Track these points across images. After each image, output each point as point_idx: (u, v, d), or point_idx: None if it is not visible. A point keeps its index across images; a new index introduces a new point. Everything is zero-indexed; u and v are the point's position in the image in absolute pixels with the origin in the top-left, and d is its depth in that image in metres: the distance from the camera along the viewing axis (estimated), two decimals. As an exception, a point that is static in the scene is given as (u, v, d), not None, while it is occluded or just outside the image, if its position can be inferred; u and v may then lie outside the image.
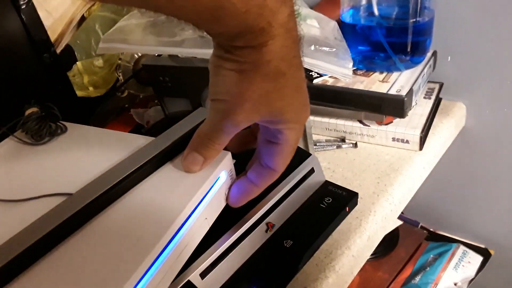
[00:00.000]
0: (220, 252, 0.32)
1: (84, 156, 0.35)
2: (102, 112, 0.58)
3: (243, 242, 0.34)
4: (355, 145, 0.52)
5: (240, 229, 0.33)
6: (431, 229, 0.68)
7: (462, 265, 0.61)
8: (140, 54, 0.53)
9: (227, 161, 0.32)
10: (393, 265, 0.61)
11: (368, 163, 0.49)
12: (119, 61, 0.54)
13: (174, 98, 0.51)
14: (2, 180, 0.34)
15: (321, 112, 0.54)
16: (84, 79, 0.56)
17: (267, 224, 0.35)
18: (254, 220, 0.34)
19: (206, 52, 0.43)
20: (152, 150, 0.32)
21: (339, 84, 0.50)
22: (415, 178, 0.49)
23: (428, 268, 0.60)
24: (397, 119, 0.51)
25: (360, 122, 0.52)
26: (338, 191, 0.39)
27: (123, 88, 0.56)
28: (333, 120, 0.53)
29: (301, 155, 0.40)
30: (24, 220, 0.28)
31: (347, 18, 0.53)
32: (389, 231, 0.67)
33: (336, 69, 0.43)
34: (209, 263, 0.31)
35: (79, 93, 0.56)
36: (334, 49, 0.44)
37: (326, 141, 0.54)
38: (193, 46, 0.43)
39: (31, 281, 0.24)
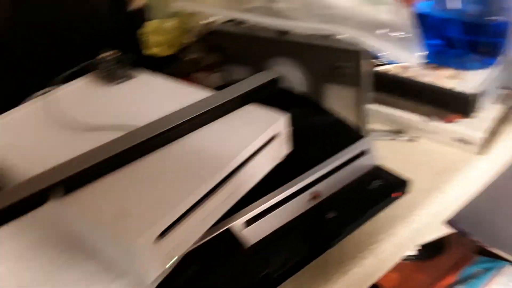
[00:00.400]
0: (263, 209, 0.33)
1: (149, 101, 0.38)
2: (169, 74, 0.61)
3: (286, 204, 0.34)
4: (412, 139, 0.51)
5: (286, 191, 0.34)
6: (482, 244, 0.65)
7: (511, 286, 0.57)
8: (209, 20, 0.55)
9: (284, 122, 0.33)
10: (436, 270, 0.59)
11: (424, 159, 0.48)
12: (188, 26, 0.56)
13: (237, 66, 0.52)
14: (78, 111, 0.37)
15: (382, 101, 0.53)
16: (151, 38, 0.59)
17: (312, 193, 0.36)
18: (301, 186, 0.35)
19: (275, 22, 0.44)
20: (208, 103, 0.34)
21: (405, 75, 0.49)
22: (471, 182, 0.47)
23: (473, 280, 0.57)
24: (461, 119, 0.49)
25: (421, 116, 0.50)
26: (388, 176, 0.39)
27: (189, 52, 0.58)
28: (392, 111, 0.52)
29: (356, 135, 0.39)
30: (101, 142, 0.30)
31: (423, 9, 0.52)
32: (438, 237, 0.64)
33: (404, 54, 0.42)
34: (250, 216, 0.32)
35: (145, 51, 0.59)
36: (403, 35, 0.43)
37: (383, 131, 0.53)
38: (263, 14, 0.44)
39: (105, 185, 0.26)
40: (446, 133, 0.48)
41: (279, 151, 0.34)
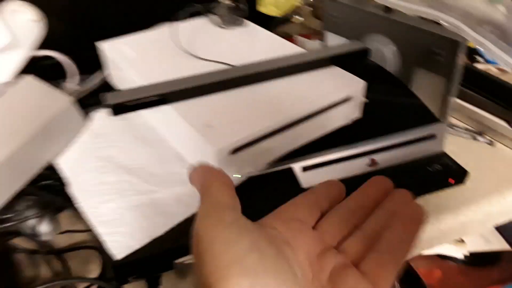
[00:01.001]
0: (325, 160, 0.37)
1: (251, 47, 0.44)
2: (275, 31, 0.66)
3: (346, 162, 0.38)
4: (491, 143, 0.51)
5: (350, 150, 0.38)
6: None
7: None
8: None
9: (361, 87, 0.37)
10: (480, 279, 0.60)
11: (497, 164, 0.48)
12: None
13: (337, 36, 0.56)
14: (189, 42, 0.44)
15: (471, 99, 0.53)
16: (269, -2, 0.64)
17: (372, 159, 0.39)
18: (363, 150, 0.39)
19: (392, 1, 0.46)
20: (299, 58, 0.39)
21: (502, 77, 0.49)
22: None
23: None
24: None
25: (507, 122, 0.50)
26: (450, 163, 0.40)
27: (295, 15, 0.63)
28: (479, 111, 0.52)
29: (431, 118, 0.41)
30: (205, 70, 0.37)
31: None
32: (492, 250, 0.64)
33: (502, 55, 0.42)
34: (312, 163, 0.37)
35: (260, 8, 0.65)
36: (508, 37, 0.43)
37: (463, 128, 0.53)
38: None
39: (207, 102, 0.34)
40: (528, 144, 0.48)
41: (350, 112, 0.38)
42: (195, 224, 0.21)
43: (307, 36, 0.66)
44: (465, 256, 0.61)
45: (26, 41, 0.39)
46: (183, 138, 0.35)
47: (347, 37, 0.55)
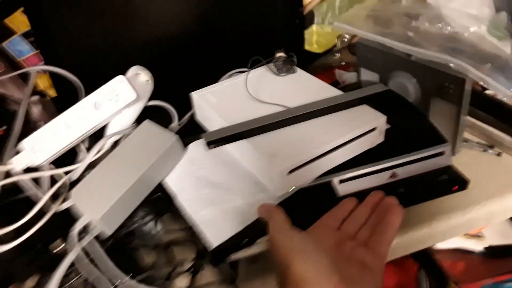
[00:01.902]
0: (357, 174, 0.51)
1: (300, 90, 0.58)
2: (317, 64, 0.81)
3: (373, 175, 0.52)
4: (499, 154, 0.61)
5: (375, 166, 0.51)
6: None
7: None
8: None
9: (383, 120, 0.50)
10: (498, 268, 0.69)
11: (502, 172, 0.59)
12: (341, 33, 0.74)
13: (368, 71, 0.69)
14: (254, 88, 0.60)
15: (483, 118, 0.64)
16: (313, 37, 0.79)
17: (393, 172, 0.52)
18: (386, 166, 0.52)
19: (404, 47, 0.59)
20: (337, 99, 0.53)
21: (507, 101, 0.60)
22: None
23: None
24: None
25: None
26: (455, 173, 0.52)
27: (337, 52, 0.77)
28: (489, 128, 0.63)
29: (441, 139, 0.54)
30: (265, 112, 0.52)
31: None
32: (510, 243, 0.73)
33: (500, 87, 0.53)
34: (347, 177, 0.51)
35: (306, 47, 0.79)
36: (507, 71, 0.54)
37: (476, 142, 0.64)
38: (397, 40, 0.59)
39: (270, 136, 0.49)
40: (531, 156, 0.58)
41: (376, 139, 0.52)
42: (270, 238, 0.40)
43: (345, 68, 0.79)
44: (485, 248, 0.71)
45: (144, 96, 0.56)
46: (255, 163, 0.50)
47: (377, 72, 0.68)
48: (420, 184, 0.52)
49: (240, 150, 0.52)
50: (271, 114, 0.52)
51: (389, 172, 0.52)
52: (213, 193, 0.51)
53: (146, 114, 0.59)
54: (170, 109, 0.61)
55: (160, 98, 0.61)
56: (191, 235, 0.53)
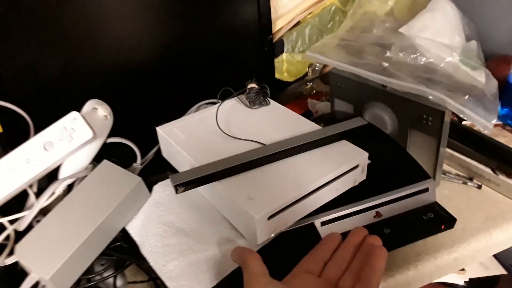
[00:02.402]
0: (339, 214, 0.47)
1: (275, 124, 0.54)
2: (288, 92, 0.78)
3: (356, 215, 0.48)
4: (479, 187, 0.60)
5: (358, 206, 0.48)
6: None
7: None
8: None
9: (365, 157, 0.47)
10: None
11: (484, 205, 0.57)
12: (313, 62, 0.72)
13: (342, 101, 0.66)
14: (225, 122, 0.55)
15: (461, 150, 0.62)
16: (284, 66, 0.76)
17: (377, 212, 0.49)
18: (369, 205, 0.48)
19: (379, 78, 0.57)
20: (316, 135, 0.49)
21: (484, 132, 0.58)
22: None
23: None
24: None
25: (492, 169, 0.59)
26: (441, 211, 0.50)
27: (309, 82, 0.74)
28: (468, 160, 0.62)
29: (423, 175, 0.51)
30: (238, 150, 0.48)
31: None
32: (490, 275, 0.72)
33: (479, 119, 0.52)
34: (329, 218, 0.47)
35: (276, 75, 0.76)
36: (484, 103, 0.53)
37: (456, 174, 0.63)
38: (372, 71, 0.57)
39: (245, 177, 0.44)
40: (509, 186, 0.57)
41: (358, 177, 0.49)
42: (244, 285, 0.36)
43: (316, 97, 0.77)
44: (465, 282, 0.69)
45: (102, 134, 0.51)
46: (230, 208, 0.45)
47: (351, 103, 0.65)
48: (405, 224, 0.49)
49: (212, 193, 0.47)
50: (246, 152, 0.47)
51: (372, 212, 0.49)
52: (181, 242, 0.45)
53: (105, 152, 0.53)
54: (132, 147, 0.55)
55: (121, 134, 0.55)
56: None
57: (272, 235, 0.43)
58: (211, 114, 0.56)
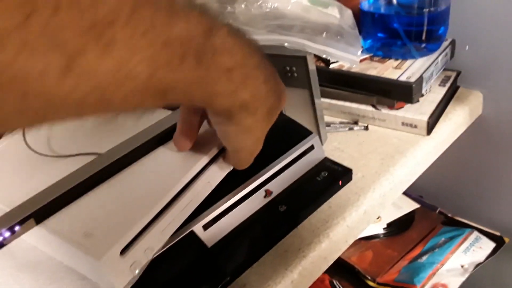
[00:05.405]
0: (222, 210, 0.37)
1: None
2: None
3: (243, 203, 0.39)
4: (366, 128, 0.55)
5: (241, 192, 0.38)
6: (449, 215, 0.70)
7: (473, 250, 0.62)
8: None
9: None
10: (404, 244, 0.64)
11: (376, 145, 0.52)
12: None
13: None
14: (43, 139, 0.41)
15: (337, 95, 0.57)
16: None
17: (265, 190, 0.40)
18: (254, 186, 0.39)
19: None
20: (162, 125, 0.38)
21: (354, 70, 0.53)
22: (419, 162, 0.51)
23: (437, 249, 0.62)
24: (409, 105, 0.53)
25: (373, 106, 0.55)
26: (334, 166, 0.43)
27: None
28: (347, 104, 0.56)
29: (304, 133, 0.44)
30: (68, 171, 0.35)
31: (366, 6, 0.56)
32: (404, 213, 0.69)
33: (344, 55, 0.46)
34: (211, 218, 0.37)
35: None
36: (345, 37, 0.47)
37: (340, 123, 0.57)
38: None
39: (73, 209, 0.31)
40: (396, 119, 0.53)
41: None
42: None
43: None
44: (384, 229, 0.66)
45: None
46: (68, 255, 0.32)
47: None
48: (301, 193, 0.41)
49: (41, 241, 0.34)
50: (74, 172, 0.34)
51: (261, 192, 0.40)
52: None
53: None
54: None
55: None
56: None
57: (137, 271, 0.31)
58: (18, 136, 0.42)
